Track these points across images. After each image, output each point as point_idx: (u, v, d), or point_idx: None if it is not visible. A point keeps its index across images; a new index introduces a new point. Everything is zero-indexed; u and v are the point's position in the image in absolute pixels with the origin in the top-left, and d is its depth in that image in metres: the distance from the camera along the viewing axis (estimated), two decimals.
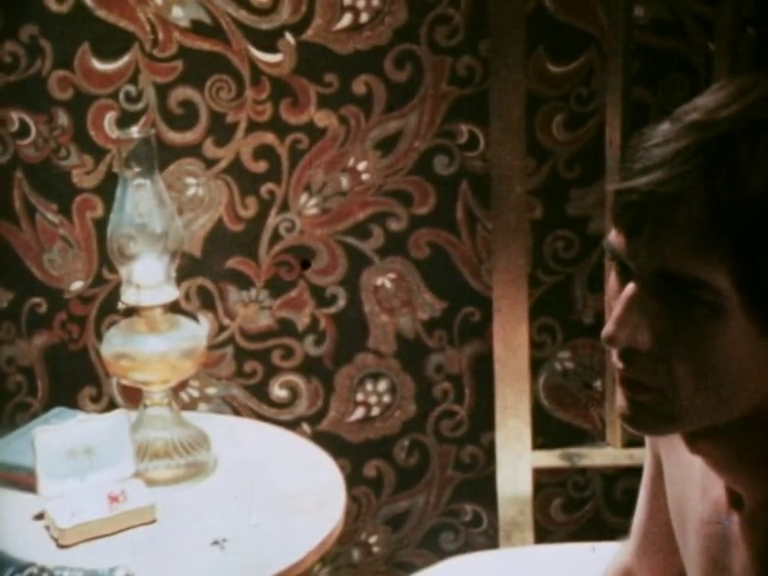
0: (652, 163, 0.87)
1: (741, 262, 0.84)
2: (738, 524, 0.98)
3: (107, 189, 1.82)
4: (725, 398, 0.89)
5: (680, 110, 0.91)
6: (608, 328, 0.90)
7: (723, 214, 0.84)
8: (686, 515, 1.06)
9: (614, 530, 2.02)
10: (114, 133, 1.86)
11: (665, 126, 0.89)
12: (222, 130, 1.90)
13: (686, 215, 0.85)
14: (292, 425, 2.00)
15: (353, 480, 2.02)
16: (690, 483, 1.05)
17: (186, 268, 1.90)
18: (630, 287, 0.90)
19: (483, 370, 1.97)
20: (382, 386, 2.04)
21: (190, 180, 1.92)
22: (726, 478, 0.98)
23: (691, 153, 0.85)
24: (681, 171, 0.85)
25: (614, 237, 0.91)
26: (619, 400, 0.94)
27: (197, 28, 1.85)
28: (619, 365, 0.92)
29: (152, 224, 1.62)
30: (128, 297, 1.64)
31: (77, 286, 1.96)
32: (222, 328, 1.99)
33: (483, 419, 2.00)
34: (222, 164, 1.92)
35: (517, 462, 1.89)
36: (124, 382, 1.74)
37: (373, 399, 2.05)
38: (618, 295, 0.92)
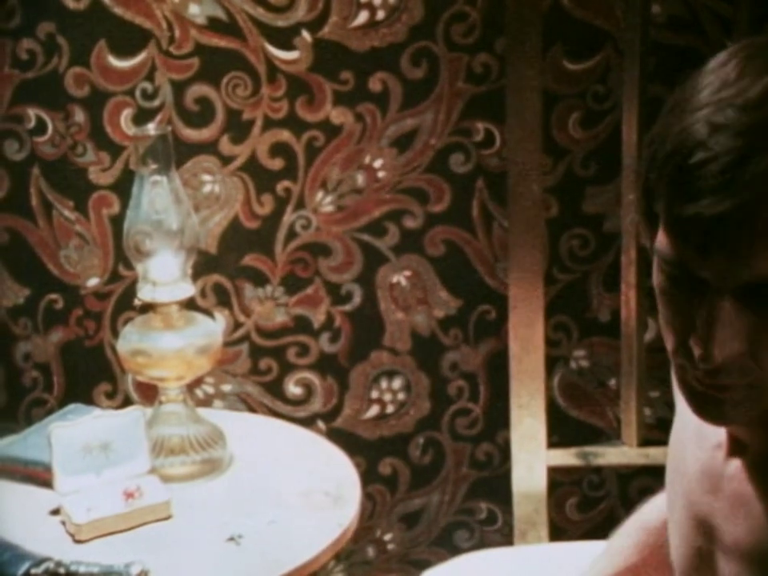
0: (719, 182, 0.83)
1: None
2: (734, 469, 0.99)
3: (124, 186, 1.83)
4: None
5: (718, 95, 0.87)
6: (705, 351, 0.87)
7: None
8: (682, 460, 1.07)
9: None
10: (130, 130, 1.87)
11: (711, 120, 0.85)
12: (238, 127, 1.90)
13: (767, 223, 0.83)
14: (307, 422, 2.00)
15: (368, 477, 2.02)
16: (685, 430, 1.06)
17: (202, 265, 1.90)
18: (712, 305, 0.87)
19: (498, 368, 1.97)
20: (397, 383, 2.04)
21: (207, 177, 1.92)
22: (739, 430, 0.98)
23: (757, 167, 0.82)
24: (751, 190, 0.82)
25: (675, 248, 0.88)
26: (695, 401, 0.92)
27: (213, 25, 1.86)
28: (707, 379, 0.90)
29: (168, 221, 1.62)
30: (144, 293, 1.65)
31: (93, 282, 1.96)
32: (237, 325, 1.99)
33: (498, 417, 2.00)
34: (238, 161, 1.92)
35: (532, 461, 1.89)
36: (140, 378, 1.74)
37: (388, 397, 2.05)
38: (680, 307, 0.89)
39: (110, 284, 1.96)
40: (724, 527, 1.00)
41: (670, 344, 0.93)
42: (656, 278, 0.93)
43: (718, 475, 1.01)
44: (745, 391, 0.90)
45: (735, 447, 1.00)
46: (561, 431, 1.98)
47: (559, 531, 2.07)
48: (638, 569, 1.30)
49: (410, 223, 1.97)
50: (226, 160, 1.92)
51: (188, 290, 1.66)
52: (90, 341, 1.99)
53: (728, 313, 0.87)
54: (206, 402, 2.00)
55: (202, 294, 1.95)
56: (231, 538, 1.54)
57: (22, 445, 1.71)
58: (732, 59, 0.89)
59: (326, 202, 1.95)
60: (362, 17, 1.87)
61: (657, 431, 1.87)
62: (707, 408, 0.93)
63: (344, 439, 1.95)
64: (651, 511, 1.30)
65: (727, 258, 0.85)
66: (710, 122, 0.85)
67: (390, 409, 2.05)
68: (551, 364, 1.99)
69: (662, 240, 0.90)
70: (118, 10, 1.84)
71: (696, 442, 1.04)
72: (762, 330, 0.87)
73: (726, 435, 1.01)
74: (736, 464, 0.99)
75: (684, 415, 1.06)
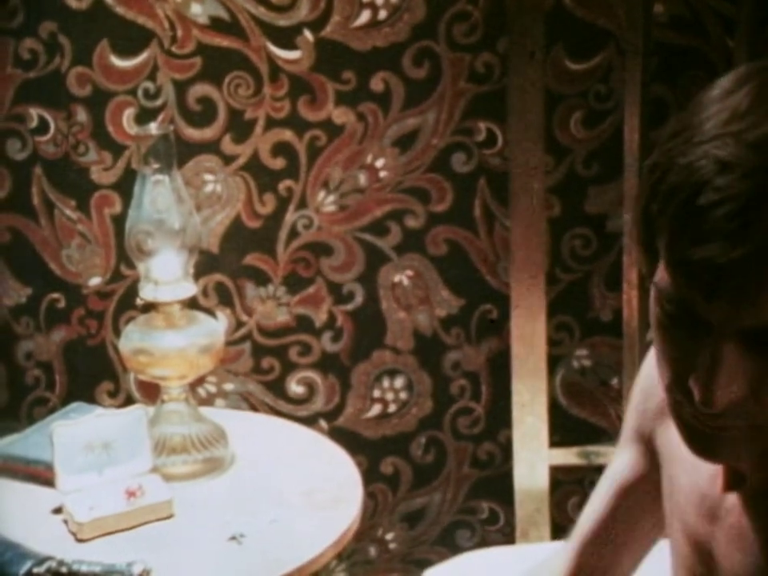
0: (730, 228, 0.78)
1: None
2: (732, 502, 0.96)
3: (125, 185, 1.83)
4: None
5: (727, 127, 0.81)
6: (707, 396, 0.83)
7: None
8: (674, 477, 1.04)
9: None
10: (132, 129, 1.87)
11: (719, 157, 0.80)
12: (240, 127, 1.90)
13: None
14: (309, 421, 2.01)
15: (369, 477, 2.02)
16: (679, 462, 1.03)
17: (204, 264, 1.90)
18: (715, 347, 0.83)
19: (500, 368, 1.97)
20: (399, 382, 2.04)
21: (208, 176, 1.92)
22: (738, 462, 0.95)
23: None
24: (765, 237, 0.78)
25: (678, 288, 0.84)
26: (691, 439, 0.88)
27: (215, 25, 1.86)
28: (707, 420, 0.86)
29: (170, 220, 1.62)
30: (146, 293, 1.65)
31: (95, 281, 1.96)
32: (239, 324, 1.99)
33: (500, 416, 2.00)
34: (240, 161, 1.92)
35: (534, 460, 1.89)
36: (142, 377, 1.74)
37: (390, 396, 2.05)
38: (679, 345, 0.85)
39: (111, 283, 1.96)
40: (722, 560, 0.97)
41: (665, 379, 0.89)
42: (654, 312, 0.88)
43: (715, 505, 0.97)
44: (744, 432, 0.86)
45: (733, 478, 0.95)
46: (563, 430, 1.98)
47: (561, 531, 2.06)
48: None
49: (411, 223, 1.97)
50: (227, 159, 1.92)
51: (190, 289, 1.66)
52: (92, 340, 1.99)
53: (731, 356, 0.82)
54: (208, 401, 2.00)
55: (204, 293, 1.95)
56: (233, 537, 1.54)
57: (23, 444, 1.71)
58: (742, 87, 0.83)
59: (327, 202, 1.95)
60: (364, 16, 1.87)
61: None
62: (703, 446, 0.88)
63: (346, 438, 1.95)
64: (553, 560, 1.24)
65: (733, 303, 0.81)
66: (718, 159, 0.80)
67: (391, 408, 2.06)
68: (553, 363, 1.99)
69: (663, 276, 0.85)
70: (120, 10, 1.84)
71: (691, 462, 0.98)
72: (764, 369, 0.83)
73: (722, 466, 0.97)
74: (734, 496, 0.95)
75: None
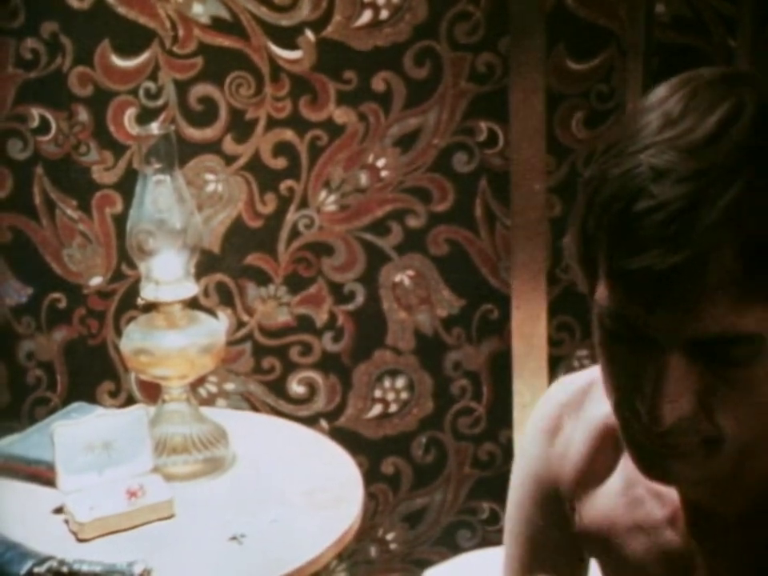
0: (666, 234, 0.77)
1: None
2: (702, 538, 0.92)
3: (127, 185, 1.83)
4: (764, 427, 0.84)
5: (660, 135, 0.79)
6: (654, 412, 0.80)
7: (762, 260, 0.76)
8: (631, 562, 0.98)
9: None
10: (133, 129, 1.87)
11: (653, 164, 0.78)
12: (241, 127, 1.90)
13: (722, 275, 0.76)
14: (310, 421, 2.00)
15: (370, 477, 2.02)
16: (628, 527, 0.97)
17: (205, 264, 1.90)
18: (660, 362, 0.80)
19: (501, 368, 1.97)
20: (400, 382, 2.04)
21: (210, 176, 1.92)
22: (701, 495, 0.92)
23: (716, 213, 0.76)
24: (712, 238, 0.76)
25: (617, 302, 0.81)
26: (642, 460, 0.85)
27: (217, 24, 1.86)
28: (657, 439, 0.83)
29: (171, 220, 1.62)
30: (147, 292, 1.65)
31: (96, 281, 1.96)
32: (240, 324, 1.99)
33: (501, 417, 2.00)
34: (242, 160, 1.92)
35: None
36: (143, 377, 1.74)
37: (391, 396, 2.05)
38: (624, 362, 0.83)
39: (113, 283, 1.96)
40: None
41: (612, 398, 0.86)
42: (596, 332, 0.85)
43: (682, 553, 0.92)
44: (697, 448, 0.83)
45: (695, 516, 0.92)
46: None
47: None
48: None
49: (412, 222, 1.97)
50: (229, 159, 1.92)
51: (191, 289, 1.66)
52: (93, 340, 1.99)
53: (677, 369, 0.80)
54: (209, 400, 2.00)
55: (205, 293, 1.95)
56: (234, 537, 1.54)
57: (25, 443, 1.71)
58: (674, 94, 0.81)
59: (329, 202, 1.95)
60: (366, 16, 1.87)
61: None
62: (656, 466, 0.84)
63: (347, 438, 1.95)
64: None
65: (675, 313, 0.78)
66: (652, 166, 0.78)
67: (392, 408, 2.05)
68: (554, 363, 1.99)
69: (602, 292, 0.82)
70: (121, 10, 1.84)
71: (633, 523, 0.94)
72: (714, 385, 0.80)
73: (681, 505, 0.92)
74: (705, 532, 0.91)
75: (602, 497, 0.98)
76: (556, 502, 1.05)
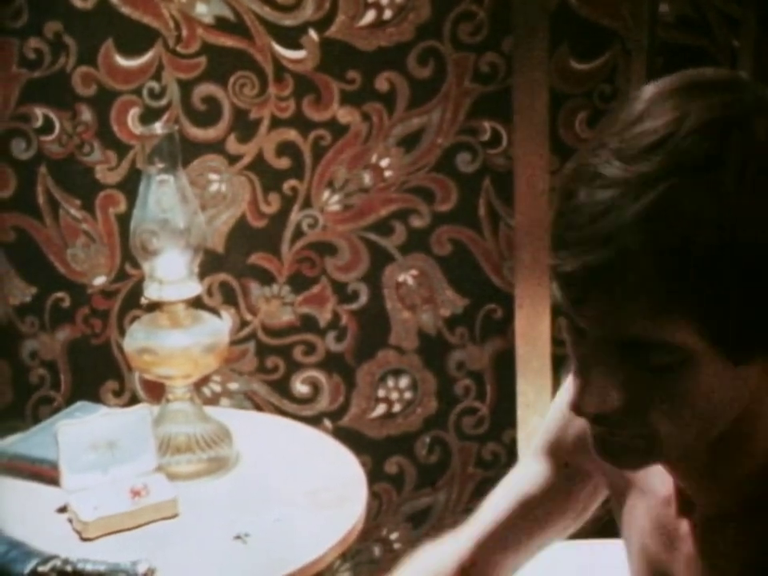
0: (587, 235, 0.79)
1: (704, 311, 0.79)
2: (687, 527, 0.94)
3: (130, 185, 1.83)
4: (704, 427, 0.86)
5: (609, 139, 0.82)
6: (574, 399, 0.84)
7: (676, 271, 0.78)
8: (632, 507, 1.03)
9: None
10: (137, 129, 1.87)
11: (594, 166, 0.81)
12: (245, 127, 1.90)
13: (636, 281, 0.79)
14: (313, 420, 2.01)
15: (374, 476, 2.02)
16: (638, 495, 1.01)
17: (209, 263, 1.90)
18: (591, 353, 0.84)
19: (505, 367, 1.97)
20: (404, 382, 2.04)
21: (213, 176, 1.92)
22: (684, 485, 0.94)
23: (629, 218, 0.78)
24: (622, 243, 0.78)
25: (556, 294, 0.84)
26: (593, 441, 0.89)
27: (220, 24, 1.86)
28: (590, 429, 0.88)
29: (175, 220, 1.62)
30: (151, 292, 1.65)
31: (100, 280, 1.96)
32: (244, 323, 1.99)
33: (505, 416, 2.00)
34: (245, 160, 1.92)
35: None
36: (146, 376, 1.75)
37: (394, 396, 2.05)
38: (572, 352, 0.86)
39: (116, 282, 1.96)
40: None
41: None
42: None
43: (672, 533, 0.96)
44: (636, 441, 0.85)
45: (684, 504, 0.94)
46: None
47: None
48: None
49: (416, 222, 1.97)
50: (232, 159, 1.92)
51: (195, 288, 1.66)
52: (97, 339, 1.99)
53: (602, 364, 0.83)
54: (213, 400, 2.00)
55: (209, 292, 1.95)
56: (237, 537, 1.54)
57: (28, 443, 1.72)
58: (635, 101, 0.84)
59: (332, 201, 1.95)
60: (369, 16, 1.87)
61: None
62: (606, 450, 0.88)
63: (350, 438, 1.95)
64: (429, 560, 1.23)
65: (595, 311, 0.81)
66: (591, 167, 0.81)
67: (396, 408, 2.06)
68: (558, 363, 1.98)
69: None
70: (125, 10, 1.84)
71: (642, 490, 0.98)
72: (645, 386, 0.82)
73: (674, 490, 0.96)
74: (686, 525, 0.94)
75: None
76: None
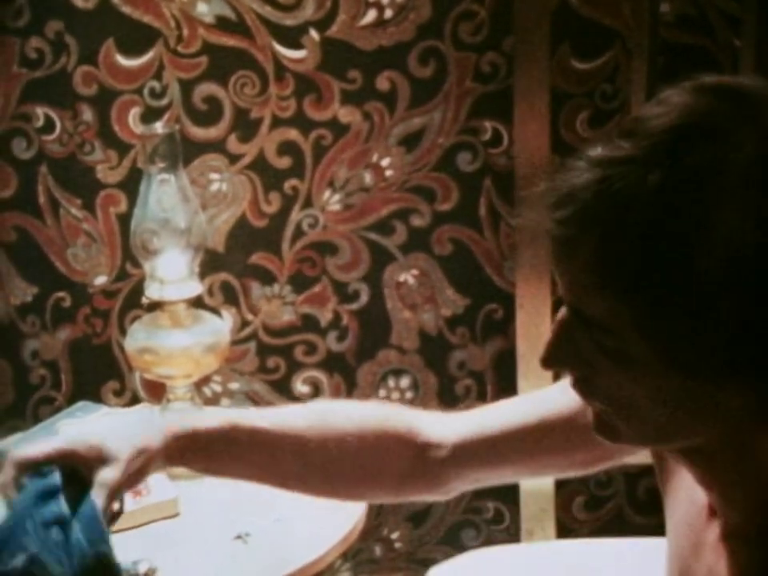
0: (558, 199, 0.87)
1: (637, 306, 0.82)
2: (713, 536, 0.95)
3: (131, 184, 1.83)
4: (665, 431, 0.88)
5: (613, 141, 0.88)
6: (541, 351, 0.91)
7: (612, 260, 0.83)
8: (674, 514, 1.03)
9: (636, 529, 2.02)
10: (138, 128, 1.87)
11: (582, 156, 0.89)
12: (245, 126, 1.90)
13: (583, 256, 0.84)
14: None
15: None
16: (682, 484, 1.02)
17: (210, 263, 1.90)
18: (561, 311, 0.90)
19: (506, 367, 1.97)
20: (405, 382, 2.04)
21: (214, 175, 1.92)
22: (705, 492, 0.95)
23: (584, 195, 0.85)
24: (568, 226, 0.85)
25: None
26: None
27: (221, 24, 1.86)
28: (575, 389, 0.93)
29: (176, 219, 1.62)
30: (151, 292, 1.65)
31: (101, 280, 1.96)
32: (244, 323, 1.99)
33: None
34: (246, 160, 1.92)
35: None
36: (147, 376, 1.75)
37: (395, 395, 2.04)
38: (560, 311, 0.92)
39: (117, 282, 1.96)
40: None
41: None
42: None
43: (700, 537, 0.96)
44: (603, 414, 0.90)
45: (713, 511, 0.95)
46: None
47: (566, 530, 2.06)
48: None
49: (417, 222, 1.97)
50: (233, 158, 1.92)
51: (195, 288, 1.66)
52: (98, 339, 1.99)
53: (566, 327, 0.89)
54: (214, 400, 2.00)
55: (210, 292, 1.95)
56: (238, 536, 1.54)
57: (29, 442, 1.71)
58: (650, 104, 0.89)
59: (333, 201, 1.95)
60: (370, 15, 1.87)
61: None
62: (595, 424, 0.93)
63: None
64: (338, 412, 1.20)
65: (560, 276, 0.88)
66: (585, 158, 0.88)
67: None
68: None
69: None
70: (126, 9, 1.84)
71: (691, 487, 0.98)
72: (590, 361, 0.88)
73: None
74: (714, 532, 0.95)
75: None
76: None
